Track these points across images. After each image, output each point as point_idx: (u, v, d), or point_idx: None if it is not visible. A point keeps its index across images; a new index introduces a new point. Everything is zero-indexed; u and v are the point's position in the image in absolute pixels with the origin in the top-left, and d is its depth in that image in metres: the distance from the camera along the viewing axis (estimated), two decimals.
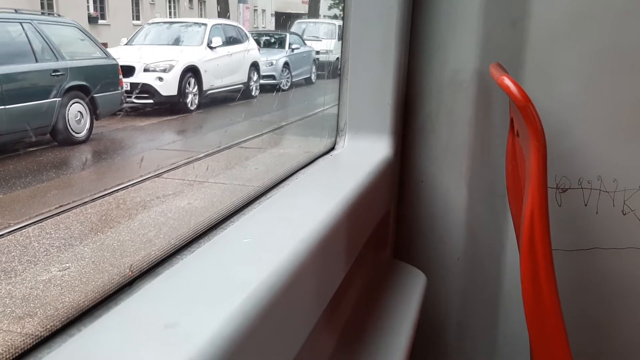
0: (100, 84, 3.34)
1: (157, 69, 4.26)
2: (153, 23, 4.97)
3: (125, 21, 4.94)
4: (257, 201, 0.99)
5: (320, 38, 9.10)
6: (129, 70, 3.93)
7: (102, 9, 4.37)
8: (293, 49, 7.56)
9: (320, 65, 7.99)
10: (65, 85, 3.01)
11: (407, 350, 1.08)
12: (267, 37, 7.79)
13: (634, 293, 1.37)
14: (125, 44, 4.50)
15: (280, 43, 7.56)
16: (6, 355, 0.52)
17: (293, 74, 7.29)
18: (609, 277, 1.37)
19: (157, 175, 3.79)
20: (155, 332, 0.55)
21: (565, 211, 1.36)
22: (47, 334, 0.55)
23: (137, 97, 4.03)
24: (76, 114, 3.11)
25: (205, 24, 5.20)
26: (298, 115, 5.77)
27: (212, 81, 4.88)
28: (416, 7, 1.37)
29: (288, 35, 7.86)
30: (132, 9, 5.00)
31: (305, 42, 8.29)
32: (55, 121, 3.01)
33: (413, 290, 1.32)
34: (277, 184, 1.09)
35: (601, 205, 1.34)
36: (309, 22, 10.61)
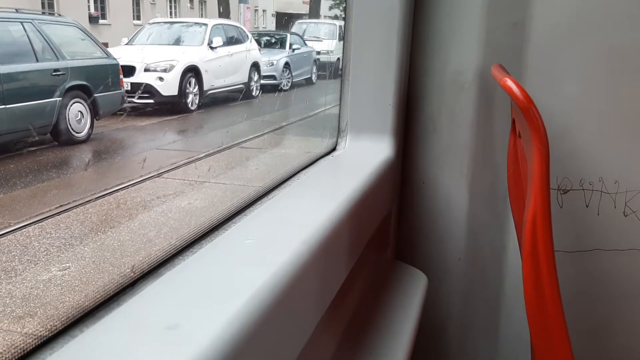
0: (101, 83, 3.35)
1: (158, 68, 4.26)
2: (154, 23, 4.98)
3: (126, 21, 4.95)
4: (259, 202, 0.99)
5: (321, 38, 9.10)
6: (129, 70, 3.93)
7: (103, 8, 4.37)
8: (294, 49, 7.56)
9: (321, 66, 7.99)
10: (65, 85, 3.01)
11: (409, 351, 1.08)
12: (268, 38, 7.79)
13: (636, 294, 1.37)
14: (126, 44, 4.51)
15: (281, 43, 7.56)
16: (8, 356, 0.52)
17: (294, 74, 7.28)
18: (610, 279, 1.37)
19: (158, 175, 3.79)
20: (157, 334, 0.54)
21: (566, 212, 1.36)
22: (50, 334, 0.55)
23: (137, 97, 4.03)
24: (77, 113, 3.11)
25: (206, 24, 5.21)
26: (299, 115, 5.77)
27: (213, 81, 4.88)
28: (418, 8, 1.37)
29: (289, 35, 7.85)
30: (133, 8, 5.00)
31: (306, 42, 8.29)
32: (56, 121, 3.01)
33: (414, 291, 1.32)
34: (278, 184, 1.09)
35: (603, 206, 1.34)
36: (310, 22, 10.60)
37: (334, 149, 1.37)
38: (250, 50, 5.96)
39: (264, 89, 6.15)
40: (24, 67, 2.90)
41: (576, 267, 1.38)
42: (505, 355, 1.48)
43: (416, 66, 1.41)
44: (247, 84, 5.68)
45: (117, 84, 3.46)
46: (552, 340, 0.89)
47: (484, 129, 1.39)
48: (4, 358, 0.52)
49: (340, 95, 1.38)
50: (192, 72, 4.53)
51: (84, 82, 3.16)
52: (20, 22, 2.90)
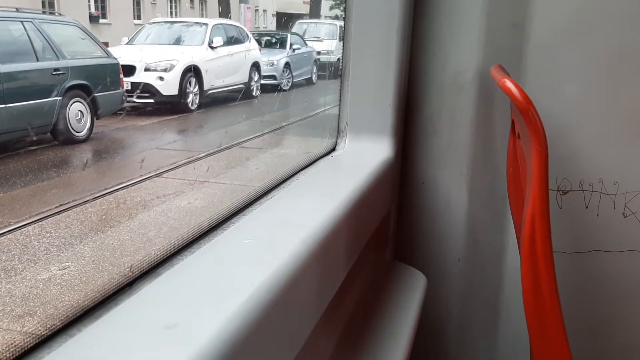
0: (101, 83, 3.35)
1: (158, 68, 4.27)
2: (154, 22, 4.98)
3: (126, 20, 4.95)
4: (258, 202, 0.99)
5: (322, 38, 9.09)
6: (129, 70, 3.93)
7: (103, 8, 4.37)
8: (294, 49, 7.55)
9: (322, 66, 7.99)
10: (66, 85, 3.01)
11: (408, 351, 1.08)
12: (268, 37, 7.79)
13: (635, 295, 1.37)
14: (126, 44, 4.51)
15: (282, 43, 7.56)
16: (7, 355, 0.52)
17: (294, 74, 7.28)
18: (609, 280, 1.37)
19: (158, 175, 3.79)
20: (156, 333, 0.54)
21: (566, 213, 1.36)
22: (48, 333, 0.55)
23: (138, 97, 4.03)
24: (77, 113, 3.11)
25: (206, 24, 5.21)
26: (299, 115, 5.77)
27: (213, 81, 4.88)
28: (417, 8, 1.37)
29: (289, 35, 7.85)
30: (133, 8, 5.01)
31: (307, 42, 8.28)
32: (56, 120, 3.01)
33: (413, 291, 1.32)
34: (278, 184, 1.09)
35: (602, 207, 1.34)
36: (310, 22, 10.60)
37: (333, 149, 1.37)
38: (250, 50, 5.96)
39: (264, 89, 6.15)
40: (24, 67, 2.90)
41: (575, 267, 1.38)
42: (505, 355, 1.48)
43: (416, 66, 1.41)
44: (248, 84, 5.68)
45: (117, 84, 3.46)
46: (551, 340, 0.89)
47: (484, 129, 1.39)
48: (2, 357, 0.52)
49: (340, 96, 1.38)
50: (193, 71, 4.53)
51: (84, 82, 3.16)
52: (21, 21, 2.90)
